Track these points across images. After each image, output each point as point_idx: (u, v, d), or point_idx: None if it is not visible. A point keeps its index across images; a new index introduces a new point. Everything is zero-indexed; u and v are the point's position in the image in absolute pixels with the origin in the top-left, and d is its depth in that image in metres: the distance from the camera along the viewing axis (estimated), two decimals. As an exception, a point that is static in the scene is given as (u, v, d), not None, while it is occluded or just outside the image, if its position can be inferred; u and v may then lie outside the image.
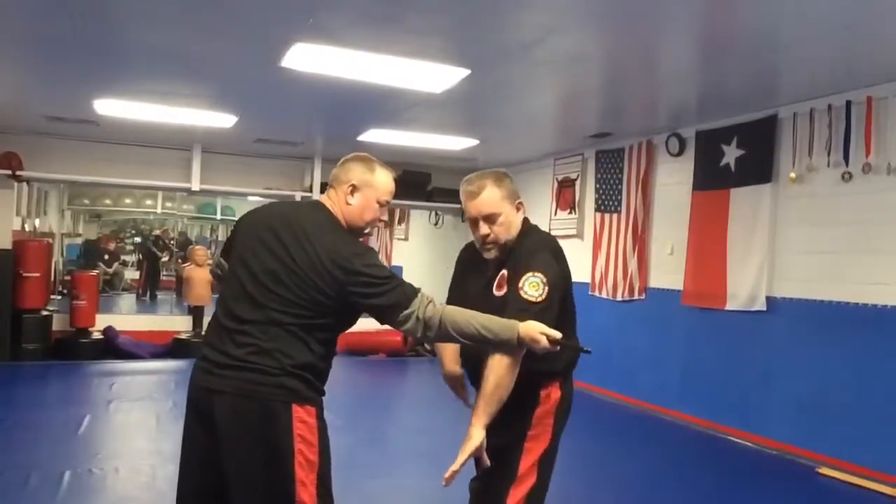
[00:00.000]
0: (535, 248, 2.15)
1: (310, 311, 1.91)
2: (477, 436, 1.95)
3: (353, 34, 3.85)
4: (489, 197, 2.14)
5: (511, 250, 2.17)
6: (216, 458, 1.91)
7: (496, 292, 2.14)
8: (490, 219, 2.14)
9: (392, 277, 1.96)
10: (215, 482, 1.93)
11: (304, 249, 1.93)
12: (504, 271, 2.14)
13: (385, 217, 2.15)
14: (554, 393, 2.19)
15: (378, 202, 2.09)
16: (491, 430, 2.12)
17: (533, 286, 2.03)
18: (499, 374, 1.97)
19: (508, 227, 2.16)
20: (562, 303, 2.13)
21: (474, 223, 2.18)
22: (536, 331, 1.93)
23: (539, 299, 2.02)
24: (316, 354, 1.94)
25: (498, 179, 2.17)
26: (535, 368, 2.08)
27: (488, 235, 2.15)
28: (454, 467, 1.90)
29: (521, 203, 2.21)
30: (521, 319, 1.98)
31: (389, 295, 1.92)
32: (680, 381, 5.90)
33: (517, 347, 1.96)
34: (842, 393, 4.55)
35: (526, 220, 2.25)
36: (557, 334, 1.94)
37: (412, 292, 1.94)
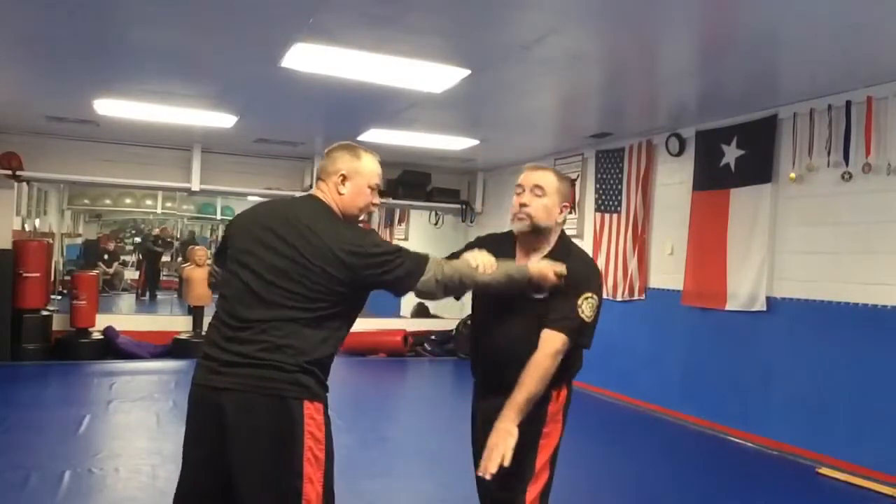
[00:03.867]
0: (591, 272, 2.27)
1: (325, 301, 1.93)
2: (515, 430, 2.01)
3: (353, 34, 3.85)
4: (546, 176, 2.25)
5: (554, 256, 2.21)
6: (221, 458, 1.89)
7: (534, 294, 2.17)
8: (536, 191, 2.22)
9: (401, 249, 2.04)
10: (219, 484, 1.92)
11: (311, 242, 1.94)
12: None
13: (377, 201, 2.19)
14: (563, 392, 2.24)
15: (369, 187, 2.13)
16: None
17: (590, 307, 2.17)
18: (542, 377, 2.06)
19: (547, 212, 2.22)
20: None
21: (521, 191, 2.24)
22: (548, 269, 2.11)
23: (590, 319, 2.17)
24: (329, 346, 1.97)
25: (560, 176, 2.29)
26: (558, 372, 2.13)
27: (526, 206, 2.21)
28: (498, 463, 1.94)
29: (566, 206, 2.29)
30: (571, 337, 2.10)
31: (404, 266, 1.99)
32: (680, 381, 5.90)
33: (527, 286, 2.12)
34: (842, 393, 4.55)
35: (563, 232, 2.32)
36: (562, 266, 2.13)
37: (424, 258, 2.03)
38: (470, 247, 2.38)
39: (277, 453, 1.86)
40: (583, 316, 2.13)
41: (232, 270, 2.02)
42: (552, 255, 2.22)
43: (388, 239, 12.58)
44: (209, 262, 9.11)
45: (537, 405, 2.16)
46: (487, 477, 1.96)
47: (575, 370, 2.27)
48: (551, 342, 2.09)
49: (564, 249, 2.26)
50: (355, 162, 2.11)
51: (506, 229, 2.39)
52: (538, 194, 2.22)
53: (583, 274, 2.20)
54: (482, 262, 2.10)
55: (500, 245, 2.31)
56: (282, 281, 1.92)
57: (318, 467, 1.90)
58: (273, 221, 2.01)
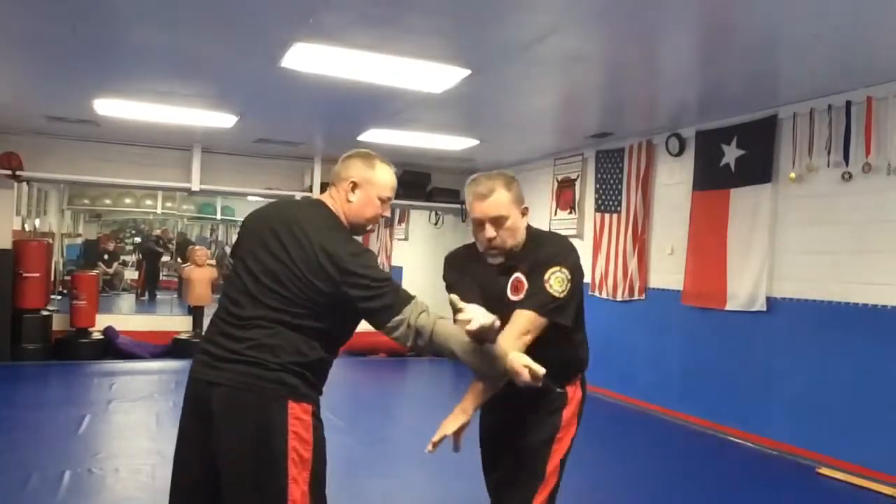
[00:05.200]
0: (561, 247, 2.15)
1: (308, 310, 1.91)
2: (469, 415, 1.98)
3: (353, 34, 3.84)
4: (498, 200, 2.09)
5: (526, 253, 2.14)
6: (211, 451, 1.91)
7: (512, 296, 2.10)
8: (497, 222, 2.09)
9: (388, 281, 1.93)
10: (210, 477, 1.93)
11: (303, 248, 1.93)
12: (518, 274, 2.11)
13: (387, 213, 2.15)
14: (577, 392, 2.21)
15: (379, 198, 2.09)
16: (517, 431, 2.16)
17: (559, 281, 2.03)
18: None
19: (514, 231, 2.12)
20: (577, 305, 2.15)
21: (480, 225, 2.12)
22: (520, 364, 1.86)
23: (561, 295, 2.04)
24: (316, 353, 1.94)
25: (507, 182, 2.13)
26: (563, 368, 2.09)
27: (494, 239, 2.10)
28: (447, 433, 1.95)
29: (526, 208, 2.18)
30: (540, 314, 2.00)
31: (383, 298, 1.89)
32: (680, 381, 5.90)
33: (500, 378, 1.93)
34: (842, 393, 4.55)
35: (529, 226, 2.21)
36: (541, 369, 1.84)
37: (406, 298, 1.91)
38: (446, 271, 2.30)
39: (258, 451, 1.87)
40: (551, 291, 2.02)
41: (235, 269, 2.05)
42: (523, 254, 2.13)
43: (387, 239, 12.62)
44: (209, 262, 9.13)
45: (551, 407, 2.14)
46: (427, 450, 1.94)
47: (584, 364, 2.22)
48: (518, 322, 2.00)
49: (533, 244, 2.15)
50: (368, 171, 2.07)
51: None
52: (500, 224, 2.09)
53: (551, 253, 2.10)
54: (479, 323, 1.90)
55: (471, 264, 2.22)
56: (272, 283, 1.93)
57: (303, 467, 1.89)
58: (276, 223, 2.01)
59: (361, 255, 1.94)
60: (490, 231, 2.10)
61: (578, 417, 2.22)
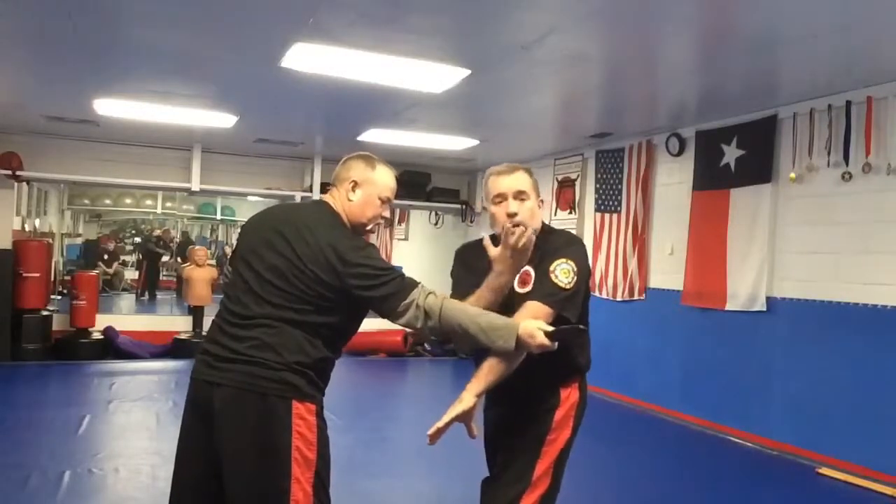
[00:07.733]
0: (569, 240, 2.16)
1: (313, 305, 1.92)
2: (468, 400, 1.94)
3: (353, 34, 3.84)
4: (522, 177, 2.13)
5: (535, 246, 2.10)
6: (213, 452, 1.91)
7: (519, 289, 2.09)
8: (520, 196, 2.10)
9: (391, 269, 1.98)
10: (211, 477, 1.93)
11: (307, 243, 1.94)
12: (527, 267, 2.09)
13: (387, 214, 2.17)
14: (573, 394, 2.17)
15: (379, 198, 2.11)
16: (509, 430, 2.14)
17: (564, 272, 2.02)
18: (503, 354, 1.95)
19: (533, 214, 2.11)
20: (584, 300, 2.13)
21: (502, 200, 2.10)
22: (534, 327, 1.89)
23: (568, 286, 2.01)
24: (319, 352, 1.95)
25: (527, 170, 2.18)
26: (557, 368, 2.07)
27: (516, 214, 2.07)
28: (439, 424, 1.91)
29: (542, 200, 2.20)
30: (547, 304, 1.99)
31: (389, 285, 1.93)
32: (680, 381, 5.90)
33: (513, 351, 1.92)
34: (842, 393, 4.55)
35: (543, 222, 2.22)
36: (552, 328, 1.90)
37: (412, 283, 1.96)
38: (454, 265, 2.32)
39: (262, 451, 1.87)
40: (556, 281, 2.00)
41: (237, 269, 2.05)
42: (536, 245, 2.09)
43: (387, 239, 12.63)
44: (210, 262, 9.13)
45: (542, 409, 2.12)
46: (427, 442, 1.91)
47: (584, 366, 2.18)
48: (525, 309, 1.98)
49: (543, 238, 2.12)
50: (368, 171, 2.10)
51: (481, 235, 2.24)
52: (523, 199, 2.09)
53: (558, 245, 2.09)
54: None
55: (480, 259, 2.17)
56: (277, 280, 1.94)
57: (307, 467, 1.89)
58: (279, 223, 2.03)
59: (364, 248, 1.99)
60: (513, 205, 2.08)
61: (575, 420, 2.17)
